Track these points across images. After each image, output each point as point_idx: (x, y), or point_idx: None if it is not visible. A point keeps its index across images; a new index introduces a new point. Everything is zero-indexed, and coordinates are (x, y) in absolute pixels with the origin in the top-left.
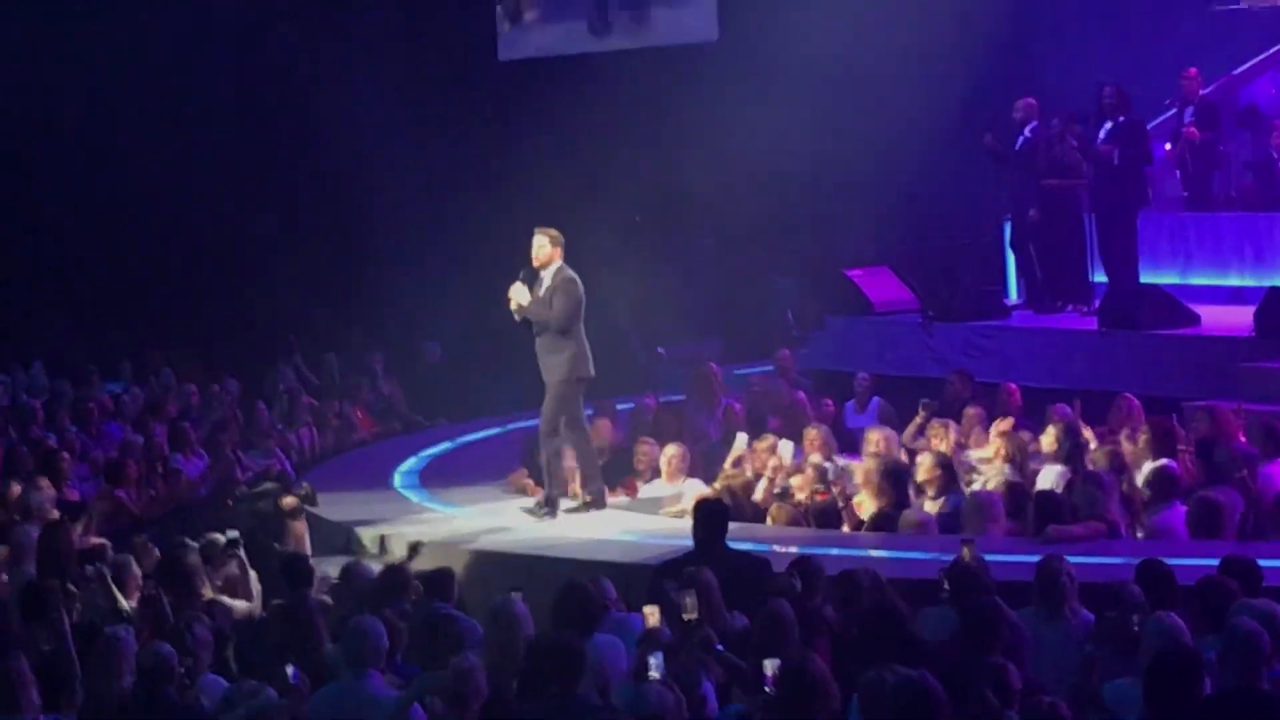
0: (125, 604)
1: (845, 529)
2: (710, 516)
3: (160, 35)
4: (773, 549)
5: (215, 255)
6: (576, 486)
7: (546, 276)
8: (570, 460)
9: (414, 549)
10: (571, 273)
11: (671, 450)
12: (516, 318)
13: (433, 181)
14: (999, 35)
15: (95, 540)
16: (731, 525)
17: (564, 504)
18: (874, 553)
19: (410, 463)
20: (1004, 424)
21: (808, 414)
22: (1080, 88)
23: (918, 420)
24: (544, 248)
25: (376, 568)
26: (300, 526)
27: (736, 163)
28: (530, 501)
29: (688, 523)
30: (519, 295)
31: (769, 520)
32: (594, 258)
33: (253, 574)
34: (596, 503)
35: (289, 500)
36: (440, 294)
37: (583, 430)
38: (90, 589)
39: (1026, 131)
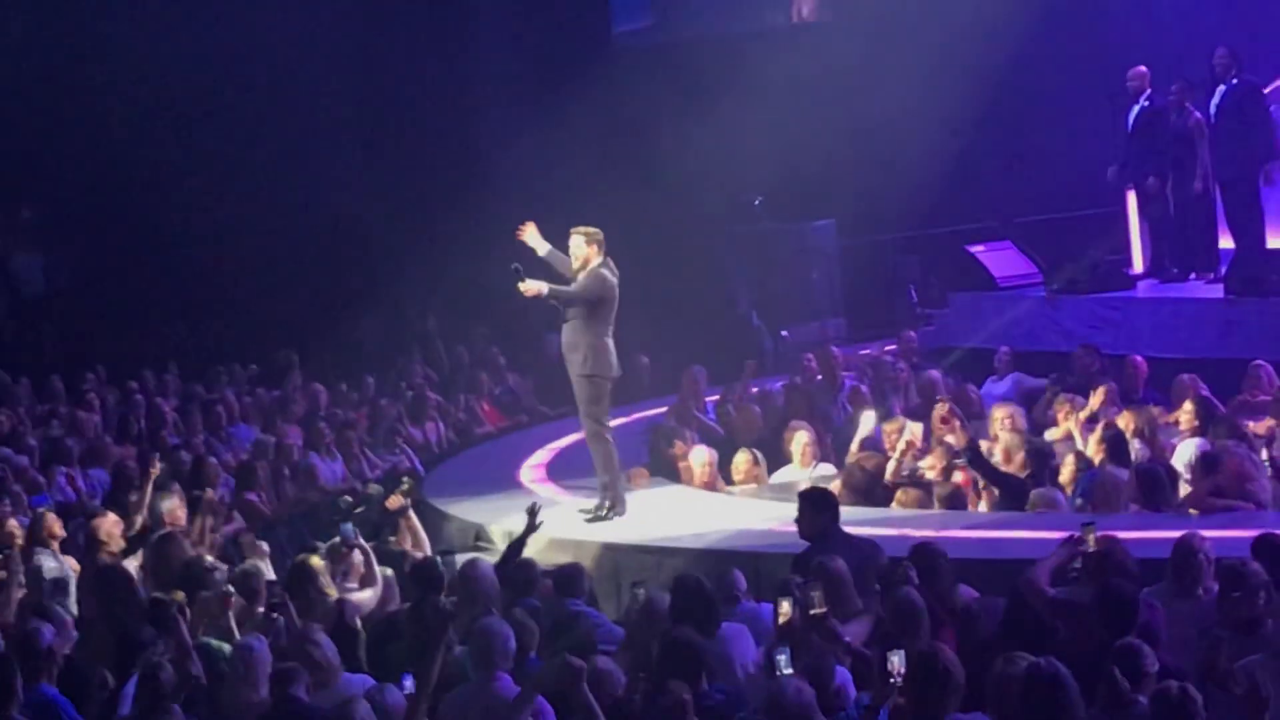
0: (235, 629)
1: (979, 508)
2: (816, 504)
3: (275, 37)
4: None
5: (340, 255)
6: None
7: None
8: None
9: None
10: (607, 271)
11: (803, 436)
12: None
13: (553, 172)
14: (1116, 6)
15: (210, 558)
16: (860, 510)
17: (581, 511)
18: (1006, 534)
19: (537, 456)
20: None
21: (939, 392)
22: (1196, 51)
23: (1046, 396)
24: (580, 247)
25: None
26: (412, 523)
27: (852, 142)
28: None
29: None
30: (531, 286)
31: (894, 504)
32: (717, 240)
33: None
34: (617, 508)
35: (394, 500)
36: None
37: (603, 428)
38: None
39: (1143, 100)
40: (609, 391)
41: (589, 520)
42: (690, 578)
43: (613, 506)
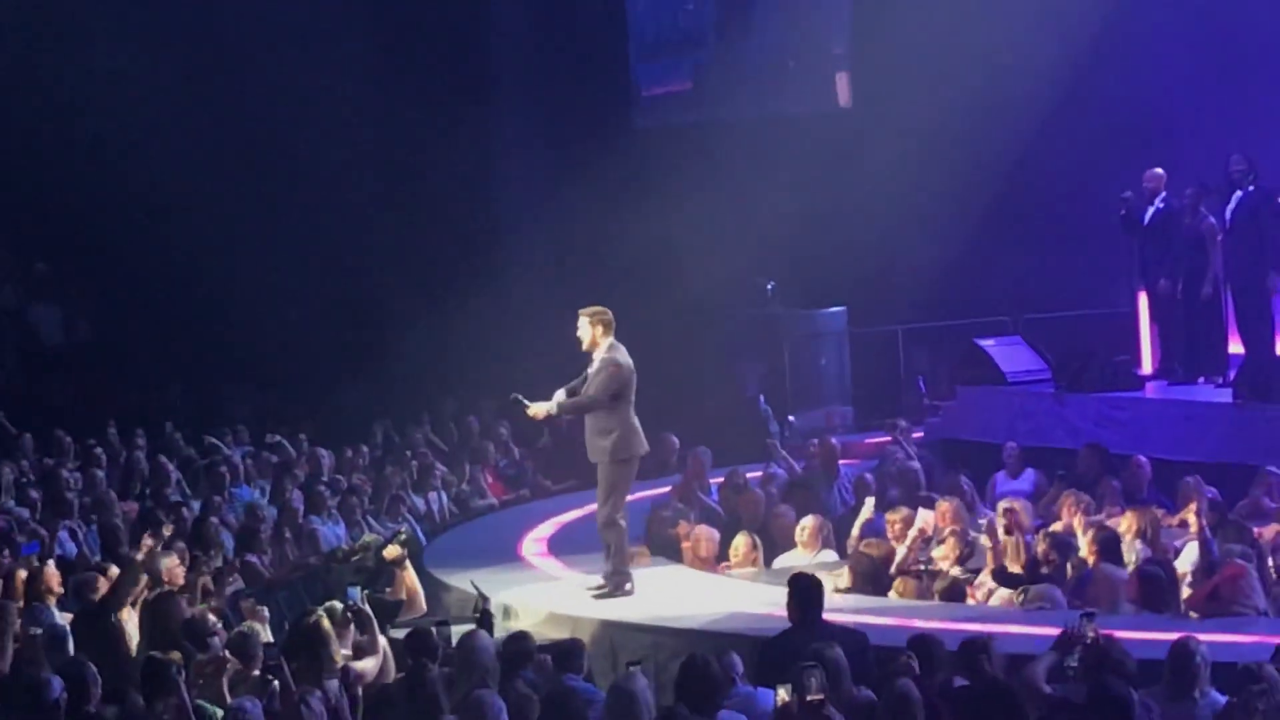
0: (227, 694)
1: (974, 600)
2: (804, 591)
3: (298, 101)
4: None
5: (356, 323)
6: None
7: (596, 359)
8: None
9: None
10: (618, 354)
11: (808, 521)
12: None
13: (571, 245)
14: (1134, 107)
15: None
16: (863, 600)
17: (588, 586)
18: (1004, 629)
19: (540, 529)
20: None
21: (920, 483)
22: (1210, 156)
23: (1052, 491)
24: (585, 329)
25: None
26: (409, 576)
27: (866, 230)
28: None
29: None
30: (539, 409)
31: (893, 594)
32: (727, 322)
33: (378, 631)
34: (625, 588)
35: (391, 550)
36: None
37: (622, 513)
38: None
39: (1158, 202)
40: (635, 472)
41: (595, 595)
42: (699, 658)
43: (619, 586)
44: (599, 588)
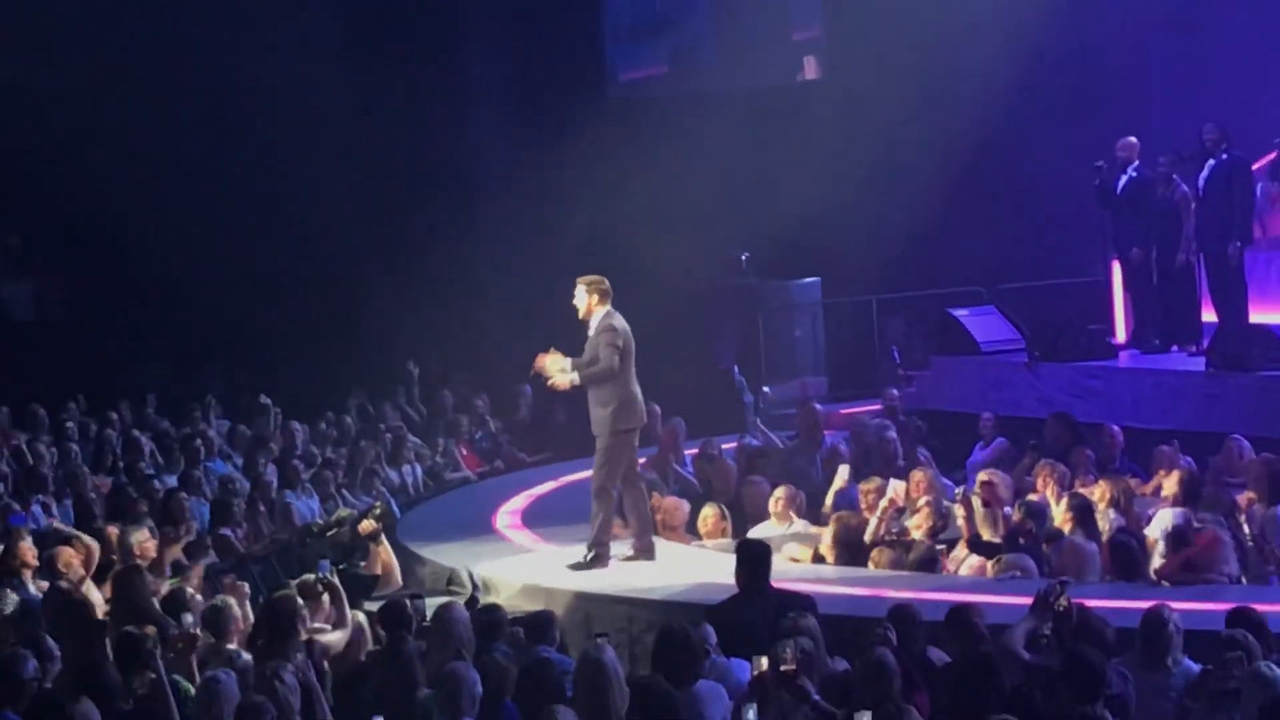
0: (196, 670)
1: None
2: (752, 557)
3: (270, 77)
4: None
5: (329, 294)
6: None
7: (591, 326)
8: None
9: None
10: (614, 320)
11: (780, 492)
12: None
13: (544, 217)
14: (1107, 75)
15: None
16: (839, 570)
17: (616, 553)
18: (980, 598)
19: (514, 502)
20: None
21: (897, 452)
22: (1182, 124)
23: (1025, 461)
24: (582, 298)
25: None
26: (384, 551)
27: (839, 200)
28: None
29: (792, 565)
30: (557, 369)
31: (870, 564)
32: (700, 297)
33: (349, 607)
34: (646, 554)
35: (366, 524)
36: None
37: (635, 480)
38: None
39: (1131, 171)
40: (634, 443)
41: (572, 567)
42: (677, 628)
43: (599, 559)
44: (581, 560)
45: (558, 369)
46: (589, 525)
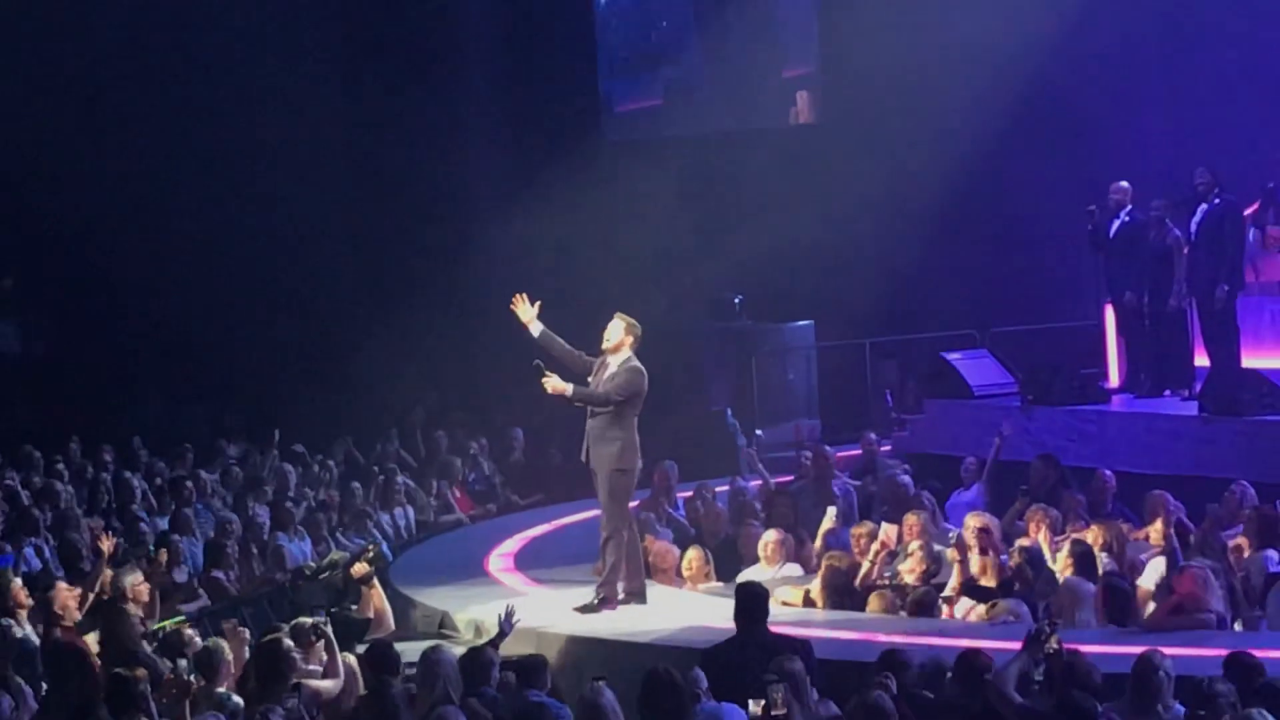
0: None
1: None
2: (749, 601)
3: (263, 114)
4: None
5: (317, 340)
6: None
7: (613, 364)
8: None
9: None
10: (639, 366)
11: (770, 535)
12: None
13: (539, 259)
14: (1099, 117)
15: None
16: (832, 614)
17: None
18: (972, 643)
19: (506, 545)
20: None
21: (907, 495)
22: (1177, 170)
23: (1016, 506)
24: (618, 332)
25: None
26: (376, 594)
27: (833, 244)
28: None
29: (783, 609)
30: (556, 385)
31: (867, 609)
32: (693, 339)
33: (342, 654)
34: (638, 597)
35: (359, 568)
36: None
37: (629, 522)
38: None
39: (1124, 215)
40: (634, 484)
41: (577, 609)
42: (663, 671)
43: (605, 600)
44: (589, 603)
45: (528, 316)
46: (601, 564)
